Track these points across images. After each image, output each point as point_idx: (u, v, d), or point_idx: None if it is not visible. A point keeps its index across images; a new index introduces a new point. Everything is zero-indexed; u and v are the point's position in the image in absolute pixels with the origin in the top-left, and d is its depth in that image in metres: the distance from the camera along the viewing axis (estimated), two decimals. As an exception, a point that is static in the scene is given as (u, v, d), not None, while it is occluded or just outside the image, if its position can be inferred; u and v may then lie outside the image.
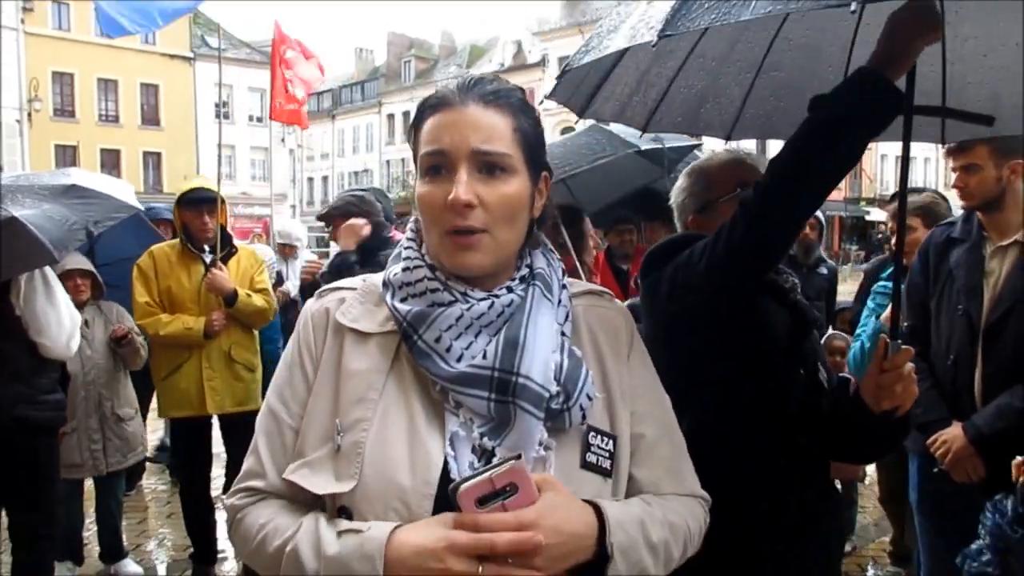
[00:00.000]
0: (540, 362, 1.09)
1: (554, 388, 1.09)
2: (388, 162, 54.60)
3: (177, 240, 4.22)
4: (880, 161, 44.99)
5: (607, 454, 1.15)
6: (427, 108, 1.15)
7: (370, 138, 56.86)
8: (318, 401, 1.14)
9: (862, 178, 41.54)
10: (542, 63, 42.69)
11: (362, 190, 4.96)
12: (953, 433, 2.58)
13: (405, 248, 1.19)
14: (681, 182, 2.11)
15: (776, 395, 1.80)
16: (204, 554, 4.26)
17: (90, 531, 4.58)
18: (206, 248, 4.17)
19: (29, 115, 32.22)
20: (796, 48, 2.07)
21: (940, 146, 2.38)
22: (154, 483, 6.09)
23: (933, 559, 2.83)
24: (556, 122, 41.58)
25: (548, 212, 1.24)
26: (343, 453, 1.08)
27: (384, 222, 3.78)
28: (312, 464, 1.10)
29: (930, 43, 1.52)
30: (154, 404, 5.22)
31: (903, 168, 1.70)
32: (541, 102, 1.97)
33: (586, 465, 1.12)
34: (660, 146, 4.40)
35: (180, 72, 37.64)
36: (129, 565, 4.40)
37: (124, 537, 4.56)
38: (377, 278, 1.22)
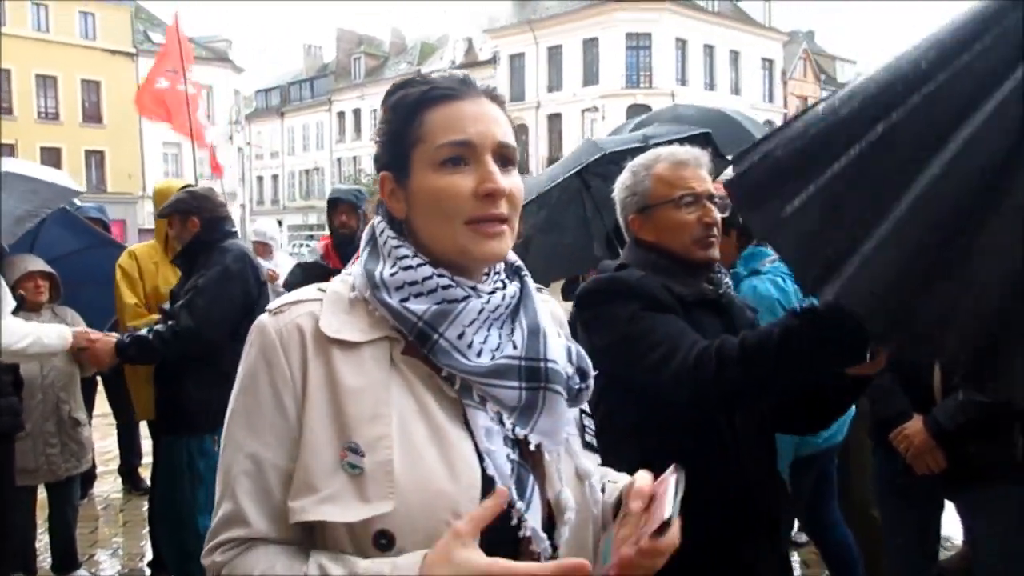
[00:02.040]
0: (557, 346, 1.12)
1: (571, 370, 1.13)
2: (339, 160, 54.03)
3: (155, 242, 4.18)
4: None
5: (593, 432, 1.22)
6: (430, 99, 1.11)
7: (320, 136, 56.16)
8: (317, 428, 1.03)
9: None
10: (493, 60, 42.69)
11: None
12: (915, 427, 2.64)
13: (396, 247, 1.12)
14: (625, 178, 2.08)
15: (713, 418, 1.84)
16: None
17: (41, 541, 4.44)
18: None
19: (-37, 112, 31.19)
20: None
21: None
22: (107, 491, 5.94)
23: (896, 549, 2.90)
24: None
25: None
26: (368, 475, 1.00)
27: (219, 219, 3.60)
28: (333, 497, 1.00)
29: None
30: (101, 410, 5.12)
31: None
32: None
33: (587, 445, 1.18)
34: (644, 144, 4.18)
35: (122, 68, 36.74)
36: (83, 576, 4.29)
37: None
38: (333, 285, 1.14)
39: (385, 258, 1.12)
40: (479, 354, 1.07)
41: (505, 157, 1.11)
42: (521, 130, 40.43)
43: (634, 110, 35.16)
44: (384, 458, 1.00)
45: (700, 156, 2.02)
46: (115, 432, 6.15)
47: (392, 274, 1.10)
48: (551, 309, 1.28)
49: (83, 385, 4.56)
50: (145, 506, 4.98)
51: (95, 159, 36.32)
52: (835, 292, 1.23)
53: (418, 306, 1.07)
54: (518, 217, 1.13)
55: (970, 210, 1.14)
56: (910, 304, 1.19)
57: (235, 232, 3.73)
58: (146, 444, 5.53)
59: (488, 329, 1.10)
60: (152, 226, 4.29)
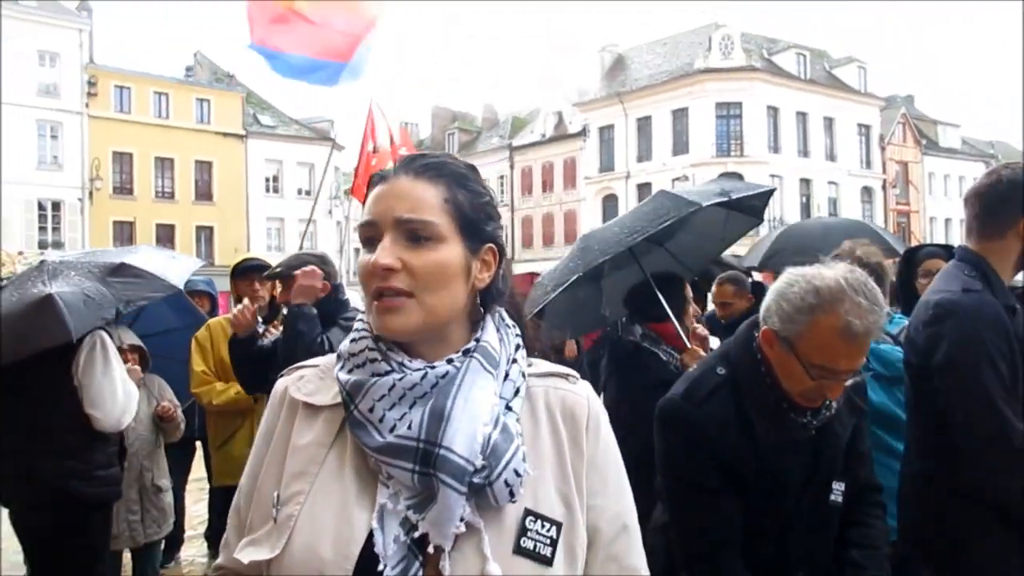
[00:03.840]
0: (465, 434, 1.06)
1: (479, 462, 1.06)
2: (433, 232, 55.15)
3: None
4: (929, 224, 44.37)
5: (548, 541, 1.08)
6: (371, 186, 1.17)
7: (415, 209, 57.57)
8: (266, 478, 1.16)
9: (910, 240, 40.87)
10: (583, 133, 43.28)
11: None
12: None
13: (358, 321, 1.18)
14: (788, 288, 1.81)
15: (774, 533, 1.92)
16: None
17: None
18: (260, 319, 4.26)
19: (91, 194, 33.61)
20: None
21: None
22: (192, 555, 6.12)
23: None
24: (597, 190, 42.02)
25: (500, 285, 1.21)
26: (278, 525, 1.09)
27: (340, 285, 3.64)
28: (256, 540, 1.11)
29: None
30: (196, 475, 5.34)
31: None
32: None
33: (520, 551, 1.07)
34: (727, 199, 3.99)
35: (232, 149, 38.96)
36: (165, 639, 4.42)
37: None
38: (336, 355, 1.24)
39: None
40: (392, 430, 1.07)
41: (415, 232, 1.11)
42: (610, 200, 40.57)
43: (725, 178, 34.76)
44: (291, 512, 1.09)
45: (878, 328, 1.74)
46: (207, 496, 6.37)
47: (345, 346, 1.18)
48: (566, 397, 1.19)
49: (181, 450, 4.77)
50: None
51: (205, 234, 38.28)
52: None
53: (346, 377, 1.13)
54: (438, 290, 1.11)
55: None
56: None
57: (346, 301, 3.70)
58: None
59: (409, 407, 1.08)
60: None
